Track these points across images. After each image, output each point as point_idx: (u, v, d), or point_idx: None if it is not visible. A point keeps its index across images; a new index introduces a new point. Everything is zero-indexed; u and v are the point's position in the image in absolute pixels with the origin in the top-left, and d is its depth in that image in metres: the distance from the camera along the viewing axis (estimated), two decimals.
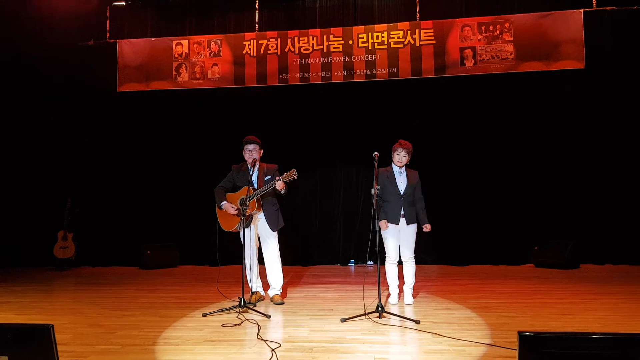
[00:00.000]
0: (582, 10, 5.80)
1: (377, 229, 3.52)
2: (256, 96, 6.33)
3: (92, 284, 5.27)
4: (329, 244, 6.39)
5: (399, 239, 3.90)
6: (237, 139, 4.33)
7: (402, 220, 3.86)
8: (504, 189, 6.07)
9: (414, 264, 4.01)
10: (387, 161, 4.03)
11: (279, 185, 3.70)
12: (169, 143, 6.64)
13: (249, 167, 3.98)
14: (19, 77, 6.50)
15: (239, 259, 3.95)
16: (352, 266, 6.26)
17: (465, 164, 6.13)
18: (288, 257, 5.02)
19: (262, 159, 4.14)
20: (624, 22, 5.75)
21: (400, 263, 4.04)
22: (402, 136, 4.20)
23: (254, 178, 4.01)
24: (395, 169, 3.90)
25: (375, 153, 3.67)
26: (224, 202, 3.97)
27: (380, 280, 3.65)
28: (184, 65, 6.35)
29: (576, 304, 3.91)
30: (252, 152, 3.99)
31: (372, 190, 3.58)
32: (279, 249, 4.15)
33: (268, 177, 3.96)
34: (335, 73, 6.08)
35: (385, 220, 3.76)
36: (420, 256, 5.75)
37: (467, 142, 6.15)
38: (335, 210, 6.40)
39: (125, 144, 6.69)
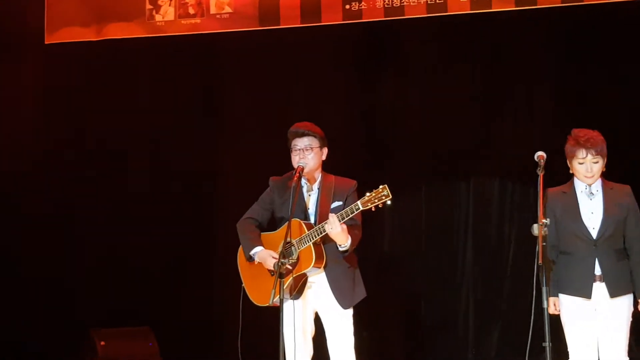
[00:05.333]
0: None
1: (544, 307, 3.10)
2: (302, 47, 5.59)
3: None
4: (447, 329, 5.45)
5: (594, 325, 3.44)
6: (272, 130, 4.45)
7: (599, 289, 3.40)
8: None
9: None
10: (560, 172, 3.53)
11: (331, 226, 3.30)
12: (143, 139, 5.87)
13: (293, 181, 3.53)
14: None
15: (275, 355, 3.30)
16: None
17: None
18: (370, 352, 4.58)
19: (326, 168, 3.76)
20: None
21: None
22: (582, 117, 4.10)
23: (312, 203, 3.66)
24: (580, 187, 3.51)
25: (540, 153, 3.27)
26: (258, 249, 3.59)
27: None
28: None
29: None
30: (305, 152, 3.57)
31: (534, 227, 3.15)
32: (355, 339, 3.60)
33: (338, 204, 3.56)
34: None
35: (556, 298, 3.41)
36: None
37: None
38: (457, 264, 5.46)
39: (61, 140, 5.90)
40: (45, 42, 5.75)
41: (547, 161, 3.26)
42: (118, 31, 5.68)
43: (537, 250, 3.06)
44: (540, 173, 3.19)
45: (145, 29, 5.67)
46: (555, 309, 3.41)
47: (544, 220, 3.08)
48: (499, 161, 5.28)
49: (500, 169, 5.33)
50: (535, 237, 3.10)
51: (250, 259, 3.60)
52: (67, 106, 5.98)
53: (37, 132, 5.94)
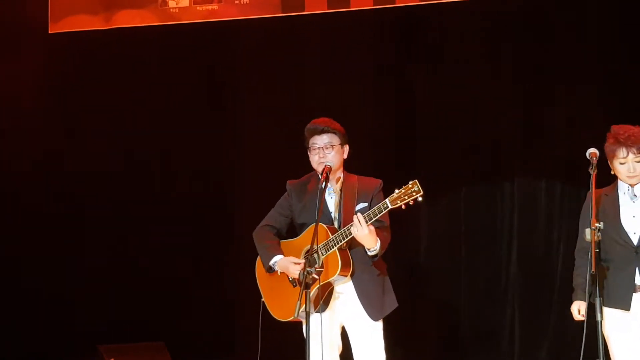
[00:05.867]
0: None
1: (597, 320, 3.04)
2: (328, 35, 5.53)
3: None
4: (490, 345, 5.29)
5: (634, 337, 3.36)
6: (291, 127, 4.33)
7: (638, 300, 3.39)
8: None
9: None
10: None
11: (357, 229, 3.28)
12: (147, 137, 5.80)
13: (322, 182, 3.50)
14: None
15: None
16: None
17: None
18: None
19: (349, 167, 3.74)
20: None
21: None
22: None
23: (335, 205, 3.64)
24: (622, 188, 3.48)
25: (592, 150, 3.26)
26: (278, 258, 3.58)
27: None
28: None
29: None
30: (324, 151, 3.57)
31: (586, 232, 3.13)
32: (387, 356, 3.52)
33: (363, 205, 3.53)
34: None
35: (582, 302, 3.32)
36: None
37: None
38: (501, 273, 5.33)
39: (61, 139, 5.89)
40: (49, 32, 5.70)
41: (600, 159, 3.17)
42: (128, 19, 5.59)
43: (589, 257, 2.97)
44: (593, 172, 3.12)
45: (157, 17, 5.58)
46: (579, 314, 3.30)
47: (597, 225, 3.00)
48: (546, 159, 5.13)
49: (548, 168, 5.19)
50: (587, 241, 3.01)
51: (270, 269, 3.55)
52: (70, 102, 5.97)
53: (37, 132, 5.93)
